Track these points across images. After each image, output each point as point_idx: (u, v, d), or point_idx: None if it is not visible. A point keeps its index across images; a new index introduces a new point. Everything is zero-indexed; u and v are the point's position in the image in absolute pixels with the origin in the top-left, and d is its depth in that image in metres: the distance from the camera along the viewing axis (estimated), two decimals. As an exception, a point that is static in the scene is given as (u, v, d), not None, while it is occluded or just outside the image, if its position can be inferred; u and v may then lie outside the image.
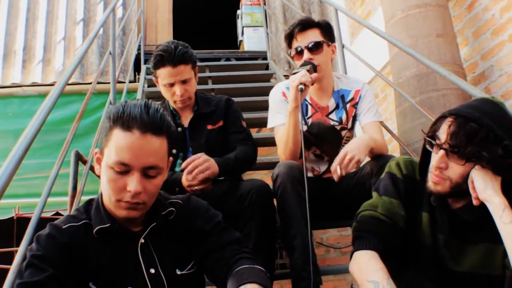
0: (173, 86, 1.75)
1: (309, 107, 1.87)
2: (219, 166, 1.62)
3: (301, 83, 1.62)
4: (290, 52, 1.83)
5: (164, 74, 1.73)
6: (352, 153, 1.52)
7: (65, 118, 3.99)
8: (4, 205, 3.71)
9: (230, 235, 1.13)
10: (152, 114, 0.99)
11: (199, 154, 1.61)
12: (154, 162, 0.99)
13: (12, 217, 3.75)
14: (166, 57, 1.71)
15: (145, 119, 0.98)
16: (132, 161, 0.97)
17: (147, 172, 0.99)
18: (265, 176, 1.82)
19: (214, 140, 1.82)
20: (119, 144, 0.97)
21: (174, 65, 1.71)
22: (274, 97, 1.89)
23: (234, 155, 1.74)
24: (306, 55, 1.76)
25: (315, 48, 1.76)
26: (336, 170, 1.52)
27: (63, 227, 1.02)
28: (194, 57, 1.79)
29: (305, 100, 1.85)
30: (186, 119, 1.84)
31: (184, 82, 1.75)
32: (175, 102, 1.79)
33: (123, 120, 0.97)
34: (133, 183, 0.97)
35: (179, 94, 1.74)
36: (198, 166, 1.56)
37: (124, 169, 0.97)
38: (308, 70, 1.68)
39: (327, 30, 1.82)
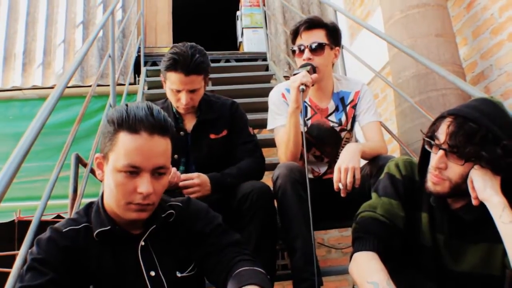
0: (179, 93, 1.68)
1: (309, 108, 1.86)
2: (213, 185, 1.61)
3: (302, 84, 1.63)
4: (293, 49, 1.82)
5: (173, 79, 1.66)
6: (345, 165, 1.53)
7: (65, 121, 4.00)
8: (5, 208, 3.71)
9: (230, 237, 1.13)
10: (157, 115, 1.01)
11: (193, 174, 1.60)
12: (163, 162, 1.01)
13: (13, 220, 3.76)
14: (180, 63, 1.62)
15: (151, 121, 0.99)
16: (143, 163, 0.98)
17: (156, 173, 1.00)
18: (265, 178, 1.82)
19: (217, 151, 1.77)
20: (127, 147, 0.97)
21: (187, 73, 1.63)
22: (273, 99, 1.88)
23: (236, 170, 1.70)
24: (307, 54, 1.76)
25: (317, 49, 1.76)
26: (339, 187, 1.53)
27: (63, 230, 1.02)
28: (209, 66, 1.72)
29: (305, 101, 1.84)
30: (189, 123, 1.79)
31: (192, 91, 1.68)
32: (177, 107, 1.75)
33: (129, 123, 0.98)
34: (144, 185, 0.98)
35: (184, 103, 1.69)
36: (188, 187, 1.56)
37: (134, 171, 0.98)
38: (308, 71, 1.68)
39: (333, 32, 1.81)
